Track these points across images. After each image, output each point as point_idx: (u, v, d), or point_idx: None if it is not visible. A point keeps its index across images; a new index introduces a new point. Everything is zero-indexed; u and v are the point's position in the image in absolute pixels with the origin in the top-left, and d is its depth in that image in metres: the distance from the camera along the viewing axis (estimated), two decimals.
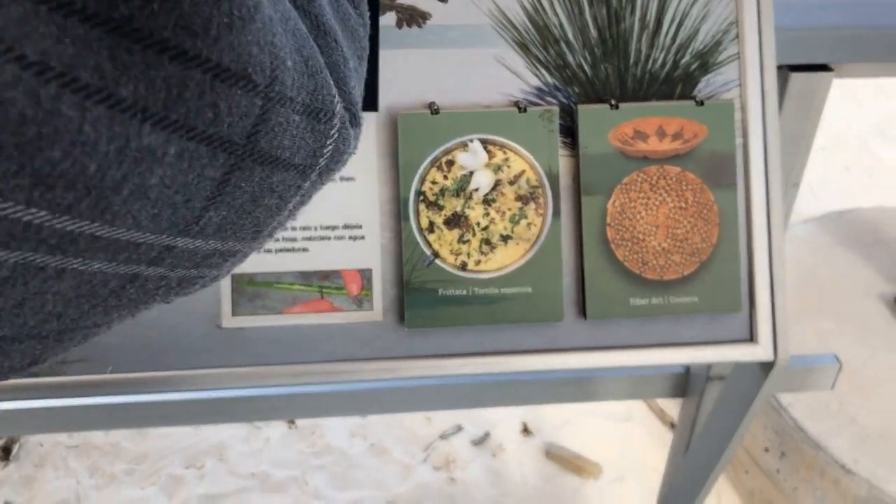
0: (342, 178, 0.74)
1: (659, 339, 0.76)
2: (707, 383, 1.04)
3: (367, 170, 0.74)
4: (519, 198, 0.74)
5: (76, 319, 0.31)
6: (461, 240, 0.74)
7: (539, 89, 0.75)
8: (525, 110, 0.74)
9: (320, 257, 0.74)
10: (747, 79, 0.76)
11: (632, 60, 0.75)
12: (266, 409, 1.21)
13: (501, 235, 0.74)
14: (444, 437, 1.94)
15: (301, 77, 0.31)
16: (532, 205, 0.74)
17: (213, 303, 0.73)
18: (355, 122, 0.37)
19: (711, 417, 0.92)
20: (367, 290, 0.74)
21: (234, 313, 0.73)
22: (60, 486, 1.83)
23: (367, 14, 0.44)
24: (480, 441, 1.92)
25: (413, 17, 0.73)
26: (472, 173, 0.74)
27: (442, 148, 0.73)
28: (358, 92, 0.39)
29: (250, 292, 0.73)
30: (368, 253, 0.74)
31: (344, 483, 1.84)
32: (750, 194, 0.76)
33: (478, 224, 0.74)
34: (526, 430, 1.94)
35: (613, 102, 0.75)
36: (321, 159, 0.34)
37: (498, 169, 0.74)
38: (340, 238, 0.74)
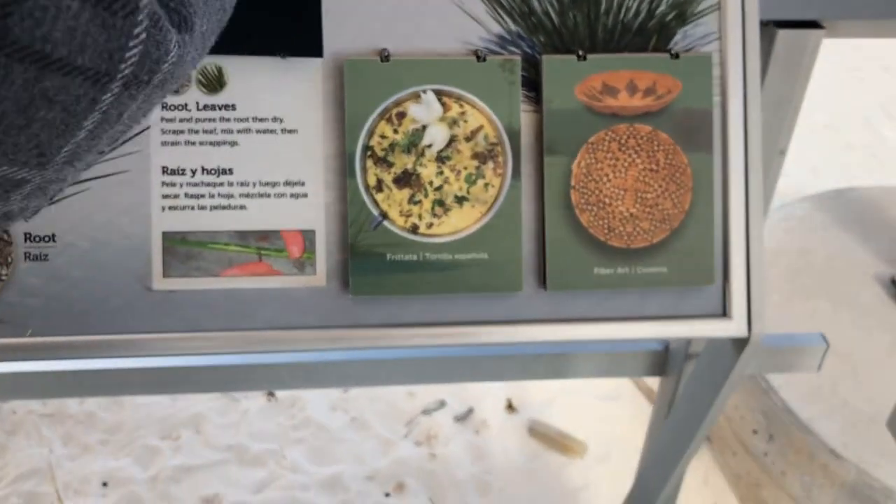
0: (283, 131, 0.68)
1: (625, 312, 0.70)
2: (686, 362, 0.98)
3: (310, 121, 0.68)
4: (476, 156, 0.68)
5: None
6: (412, 200, 0.68)
7: (501, 37, 0.69)
8: (484, 59, 0.68)
9: (259, 216, 0.68)
10: (728, 31, 0.70)
11: (603, 8, 0.69)
12: (233, 379, 1.16)
13: (456, 196, 0.68)
14: (426, 412, 1.89)
15: None
16: (490, 164, 0.69)
17: (143, 263, 0.68)
18: (185, 27, 0.31)
19: (684, 397, 0.86)
20: (309, 252, 0.69)
21: (166, 274, 0.68)
22: (32, 454, 1.79)
23: None
24: (463, 417, 1.88)
25: None
26: (424, 127, 0.68)
27: (392, 99, 0.67)
28: None
29: (183, 252, 0.68)
30: (311, 212, 0.69)
31: (323, 457, 1.80)
32: (727, 157, 0.70)
33: (430, 183, 0.68)
34: (510, 407, 1.90)
35: (581, 53, 0.69)
36: (122, 65, 0.28)
37: (453, 123, 0.68)
38: (281, 195, 0.68)
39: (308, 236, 0.69)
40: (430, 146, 0.68)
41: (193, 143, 0.67)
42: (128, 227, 0.67)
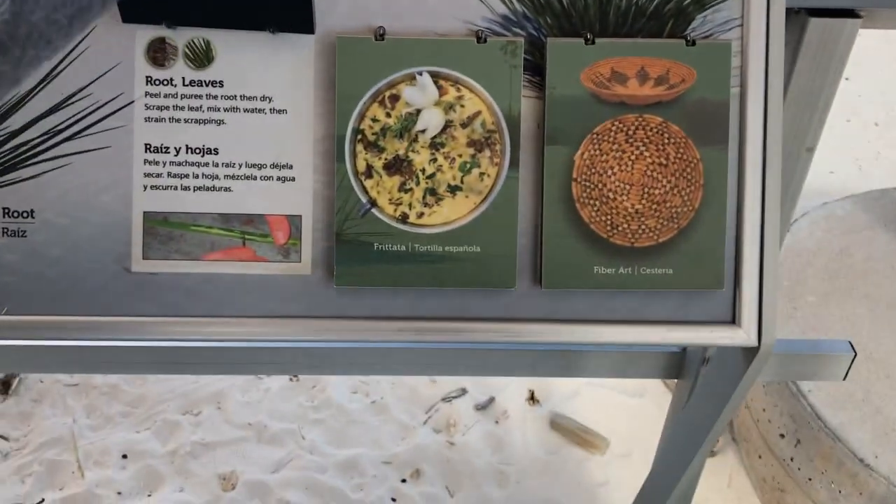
0: (272, 110, 0.65)
1: (626, 314, 0.66)
2: (702, 365, 0.94)
3: (300, 102, 0.65)
4: (472, 143, 0.65)
5: None
6: (403, 188, 0.65)
7: (506, 18, 0.65)
8: (485, 41, 0.64)
9: (244, 199, 0.65)
10: (751, 18, 0.65)
11: None
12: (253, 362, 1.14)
13: (449, 186, 0.65)
14: (447, 399, 1.87)
15: None
16: (486, 152, 0.65)
17: (122, 243, 0.65)
18: None
19: (694, 402, 0.82)
20: (294, 239, 0.66)
21: (146, 256, 0.65)
22: (56, 423, 1.81)
23: None
24: (484, 406, 1.85)
25: None
26: (419, 111, 0.64)
27: (386, 80, 0.64)
28: None
29: (164, 233, 0.65)
30: (299, 197, 0.65)
31: (341, 439, 1.79)
32: (744, 153, 0.66)
33: (423, 171, 0.65)
34: (533, 399, 1.86)
35: (589, 37, 0.64)
36: None
37: (449, 108, 0.64)
38: (268, 178, 0.65)
39: (294, 222, 0.66)
40: (423, 131, 0.64)
41: (178, 121, 0.65)
42: (108, 205, 0.65)
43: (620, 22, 0.65)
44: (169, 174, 0.65)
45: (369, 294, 0.66)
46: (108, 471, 1.71)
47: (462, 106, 0.64)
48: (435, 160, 0.64)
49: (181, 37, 0.64)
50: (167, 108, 0.65)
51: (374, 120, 0.64)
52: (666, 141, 0.65)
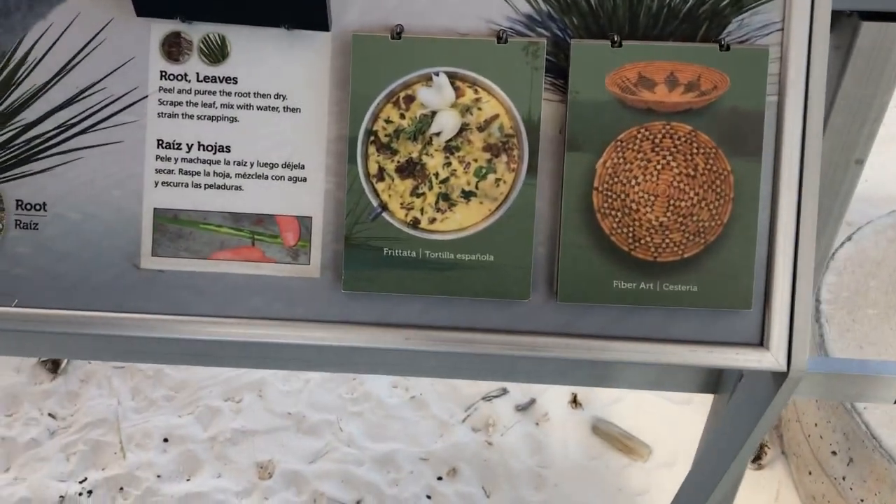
0: (286, 109, 0.63)
1: (645, 332, 0.63)
2: (738, 381, 0.90)
3: (315, 101, 0.63)
4: (488, 147, 0.62)
5: None
6: (415, 192, 0.62)
7: (530, 17, 0.62)
8: (506, 41, 0.61)
9: (255, 198, 0.64)
10: (792, 22, 0.61)
11: None
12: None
13: (463, 191, 0.62)
14: (487, 398, 1.84)
15: None
16: (503, 157, 0.62)
17: (132, 239, 0.65)
18: None
19: (726, 421, 0.78)
20: (304, 241, 0.64)
21: (155, 253, 0.64)
22: (102, 404, 1.84)
23: None
24: (525, 407, 1.82)
25: None
26: (434, 113, 0.62)
27: (401, 80, 0.62)
28: None
29: (173, 231, 0.64)
30: (310, 198, 0.64)
31: (379, 433, 1.78)
32: (779, 166, 0.62)
33: (436, 175, 0.62)
34: (575, 402, 1.83)
35: (616, 39, 0.61)
36: None
37: (466, 111, 0.62)
38: (279, 178, 0.64)
39: (304, 223, 0.64)
40: (438, 134, 0.62)
41: (191, 117, 0.64)
42: (119, 200, 0.64)
43: (651, 24, 0.62)
44: (180, 171, 0.64)
45: (378, 300, 0.64)
46: (149, 453, 1.73)
47: (479, 109, 0.62)
48: (449, 164, 0.62)
49: (196, 31, 0.63)
50: (180, 103, 0.63)
51: (388, 121, 0.62)
52: (695, 151, 0.61)
